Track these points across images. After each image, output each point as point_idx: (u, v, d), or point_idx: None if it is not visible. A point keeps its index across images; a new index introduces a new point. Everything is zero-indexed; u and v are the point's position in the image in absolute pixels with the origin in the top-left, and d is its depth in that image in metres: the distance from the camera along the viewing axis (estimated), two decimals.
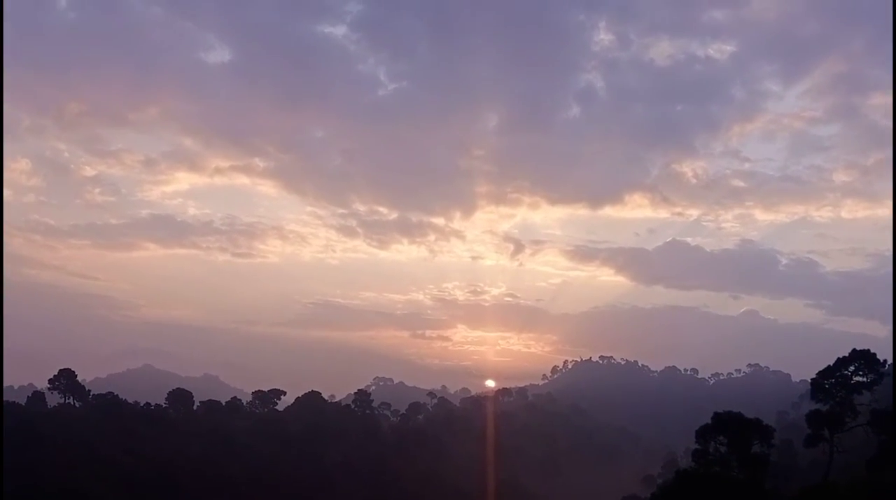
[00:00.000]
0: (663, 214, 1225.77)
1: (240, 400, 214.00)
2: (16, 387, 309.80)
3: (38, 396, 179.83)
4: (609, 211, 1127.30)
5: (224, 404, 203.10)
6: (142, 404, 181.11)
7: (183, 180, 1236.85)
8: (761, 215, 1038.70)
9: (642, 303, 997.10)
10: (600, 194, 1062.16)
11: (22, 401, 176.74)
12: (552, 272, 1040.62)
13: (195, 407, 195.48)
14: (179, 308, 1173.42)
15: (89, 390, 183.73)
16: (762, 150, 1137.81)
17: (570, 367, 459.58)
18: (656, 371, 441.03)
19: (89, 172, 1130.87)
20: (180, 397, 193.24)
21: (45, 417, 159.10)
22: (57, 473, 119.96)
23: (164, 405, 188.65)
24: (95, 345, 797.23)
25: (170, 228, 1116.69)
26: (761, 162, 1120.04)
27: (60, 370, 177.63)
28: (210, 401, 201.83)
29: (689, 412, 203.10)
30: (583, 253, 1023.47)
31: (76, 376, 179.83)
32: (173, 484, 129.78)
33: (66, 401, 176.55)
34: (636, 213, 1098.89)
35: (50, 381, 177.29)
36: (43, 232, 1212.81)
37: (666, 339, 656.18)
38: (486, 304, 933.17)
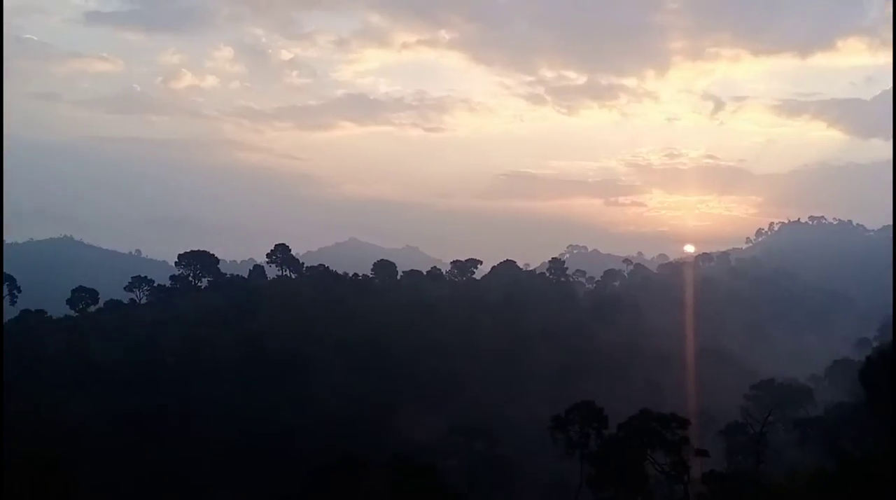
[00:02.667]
0: (883, 59, 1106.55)
1: (439, 270, 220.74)
2: (238, 261, 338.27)
3: (258, 269, 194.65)
4: (820, 59, 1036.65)
5: (425, 273, 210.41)
6: (350, 275, 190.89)
7: (373, 58, 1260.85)
8: None
9: (858, 158, 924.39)
10: (810, 41, 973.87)
11: (244, 274, 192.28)
12: (756, 130, 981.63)
13: (398, 277, 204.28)
14: (378, 184, 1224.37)
15: (302, 263, 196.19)
16: None
17: (776, 229, 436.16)
18: (873, 230, 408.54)
19: (286, 55, 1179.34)
20: (385, 267, 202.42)
21: (266, 288, 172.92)
22: (279, 339, 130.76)
23: (371, 275, 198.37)
24: (304, 221, 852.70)
25: (364, 107, 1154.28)
26: None
27: (276, 245, 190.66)
28: (412, 271, 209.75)
29: None
30: (790, 107, 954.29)
31: (290, 250, 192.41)
32: (384, 348, 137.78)
33: (283, 273, 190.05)
34: (851, 60, 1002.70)
35: (268, 255, 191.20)
36: (250, 116, 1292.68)
37: (885, 195, 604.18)
38: (684, 167, 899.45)
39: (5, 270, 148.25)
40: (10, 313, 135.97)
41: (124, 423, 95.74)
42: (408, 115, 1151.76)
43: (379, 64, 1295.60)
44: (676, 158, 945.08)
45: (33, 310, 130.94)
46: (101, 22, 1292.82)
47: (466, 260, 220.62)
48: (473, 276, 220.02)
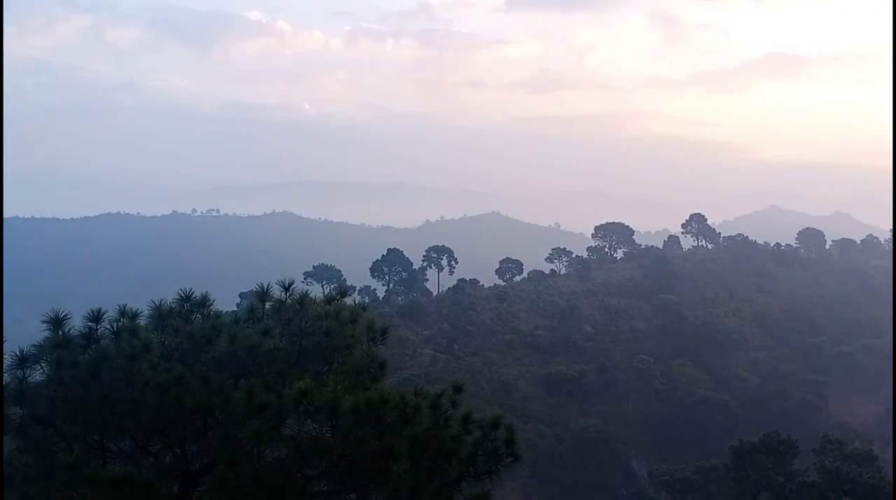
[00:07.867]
0: None
1: (876, 238, 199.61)
2: (653, 232, 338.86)
3: (673, 240, 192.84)
4: None
5: (859, 242, 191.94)
6: (771, 245, 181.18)
7: (791, 9, 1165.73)
8: None
9: None
10: None
11: (659, 244, 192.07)
12: None
13: (827, 246, 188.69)
14: (801, 146, 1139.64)
15: (719, 233, 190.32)
16: None
17: None
18: None
19: (696, 18, 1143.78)
20: (811, 236, 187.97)
21: (681, 258, 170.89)
22: (696, 310, 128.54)
23: (795, 245, 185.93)
24: (720, 189, 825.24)
25: (783, 64, 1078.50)
26: None
27: (691, 215, 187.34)
28: (843, 240, 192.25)
29: None
30: None
31: (706, 219, 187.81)
32: (810, 323, 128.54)
33: (699, 243, 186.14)
34: None
35: (683, 225, 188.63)
36: (662, 85, 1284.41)
37: None
38: None
39: (445, 242, 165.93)
40: (449, 281, 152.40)
41: (546, 385, 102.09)
42: (835, 68, 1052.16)
43: (796, 15, 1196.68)
44: None
45: (468, 279, 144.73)
46: (520, 8, 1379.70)
47: None
48: None
